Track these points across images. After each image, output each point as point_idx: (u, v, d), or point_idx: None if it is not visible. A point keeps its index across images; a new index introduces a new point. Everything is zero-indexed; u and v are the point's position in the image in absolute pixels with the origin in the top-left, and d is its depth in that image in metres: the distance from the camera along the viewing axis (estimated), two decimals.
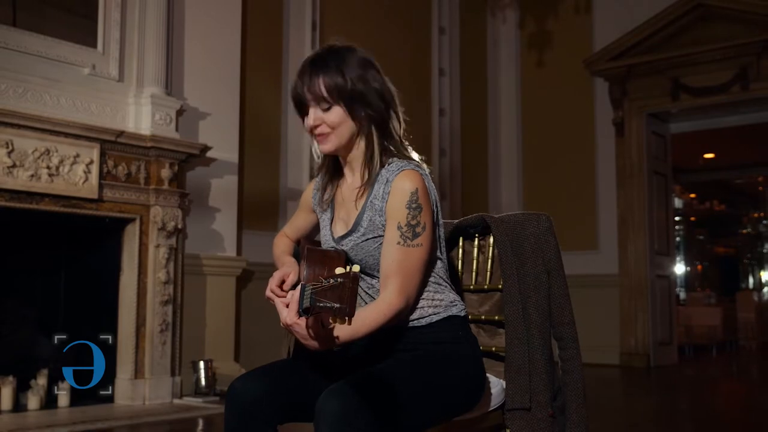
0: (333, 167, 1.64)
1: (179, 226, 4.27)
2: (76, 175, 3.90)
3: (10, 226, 3.87)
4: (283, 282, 1.56)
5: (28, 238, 4.07)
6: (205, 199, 4.65)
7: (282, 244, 1.76)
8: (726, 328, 9.66)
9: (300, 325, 1.36)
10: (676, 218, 11.56)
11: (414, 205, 1.47)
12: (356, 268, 1.24)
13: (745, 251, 15.74)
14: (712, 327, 9.20)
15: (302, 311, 1.28)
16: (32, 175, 3.73)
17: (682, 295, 11.93)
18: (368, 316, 1.43)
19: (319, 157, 1.64)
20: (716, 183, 13.16)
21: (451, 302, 1.57)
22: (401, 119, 1.58)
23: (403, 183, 1.48)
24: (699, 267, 15.04)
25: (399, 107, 1.58)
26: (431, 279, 1.55)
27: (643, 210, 6.74)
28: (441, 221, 1.59)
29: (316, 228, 1.74)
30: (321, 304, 1.22)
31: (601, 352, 6.29)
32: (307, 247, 1.57)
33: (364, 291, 1.57)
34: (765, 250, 15.05)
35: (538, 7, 7.34)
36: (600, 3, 7.03)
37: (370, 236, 1.52)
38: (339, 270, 1.23)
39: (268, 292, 1.55)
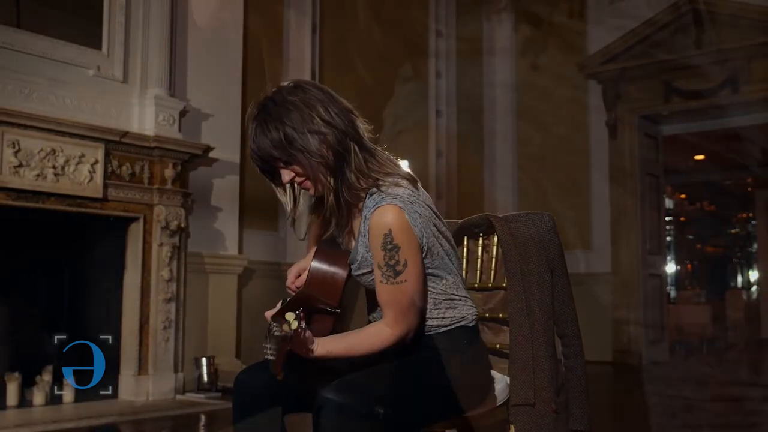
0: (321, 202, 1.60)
1: (182, 225, 4.33)
2: (81, 174, 3.94)
3: (16, 225, 3.91)
4: (299, 276, 1.61)
5: (34, 236, 4.11)
6: (207, 199, 4.70)
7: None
8: (715, 326, 9.78)
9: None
10: (667, 218, 11.66)
11: (389, 246, 1.43)
12: (294, 324, 1.29)
13: (734, 251, 15.89)
14: (702, 325, 9.32)
15: None
16: (38, 175, 3.78)
17: (672, 293, 12.04)
18: (363, 338, 1.47)
19: (294, 214, 1.58)
20: (706, 184, 13.29)
21: (462, 317, 1.56)
22: (362, 133, 1.50)
23: (378, 223, 1.43)
24: (689, 266, 15.17)
25: (358, 120, 1.50)
26: (441, 297, 1.54)
27: (635, 210, 6.82)
28: (442, 238, 1.53)
29: None
30: (267, 347, 1.29)
31: (595, 350, 6.37)
32: (315, 247, 1.62)
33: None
34: (753, 250, 15.17)
35: (533, 11, 7.42)
36: (593, 7, 7.09)
37: (365, 270, 1.52)
38: (289, 316, 1.29)
39: (288, 283, 1.62)
